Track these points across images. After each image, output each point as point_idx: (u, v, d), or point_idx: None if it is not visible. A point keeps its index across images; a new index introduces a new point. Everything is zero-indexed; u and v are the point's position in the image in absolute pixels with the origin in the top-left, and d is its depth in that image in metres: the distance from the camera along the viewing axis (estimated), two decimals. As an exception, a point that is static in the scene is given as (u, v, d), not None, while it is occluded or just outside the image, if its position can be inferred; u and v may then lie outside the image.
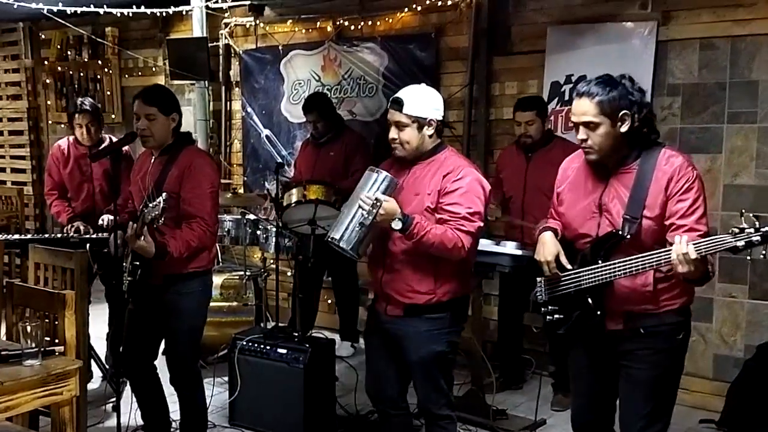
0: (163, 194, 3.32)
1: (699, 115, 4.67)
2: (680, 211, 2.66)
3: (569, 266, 2.85)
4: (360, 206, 3.12)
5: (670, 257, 2.56)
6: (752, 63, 4.48)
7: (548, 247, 2.91)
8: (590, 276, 2.78)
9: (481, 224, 3.20)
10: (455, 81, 5.65)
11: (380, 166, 3.41)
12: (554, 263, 2.87)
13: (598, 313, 2.79)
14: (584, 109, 2.74)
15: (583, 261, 2.83)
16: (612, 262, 2.73)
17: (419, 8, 5.67)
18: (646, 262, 2.64)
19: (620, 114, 2.71)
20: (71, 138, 5.01)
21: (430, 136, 3.23)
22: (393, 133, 3.23)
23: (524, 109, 4.67)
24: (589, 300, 2.79)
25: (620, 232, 2.73)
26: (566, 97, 5.08)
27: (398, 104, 3.19)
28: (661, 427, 2.87)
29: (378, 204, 3.07)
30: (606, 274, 2.73)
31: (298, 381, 4.13)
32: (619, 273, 2.70)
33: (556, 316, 2.92)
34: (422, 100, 3.22)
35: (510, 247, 4.08)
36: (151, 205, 3.32)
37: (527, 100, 4.75)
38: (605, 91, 2.70)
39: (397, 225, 3.08)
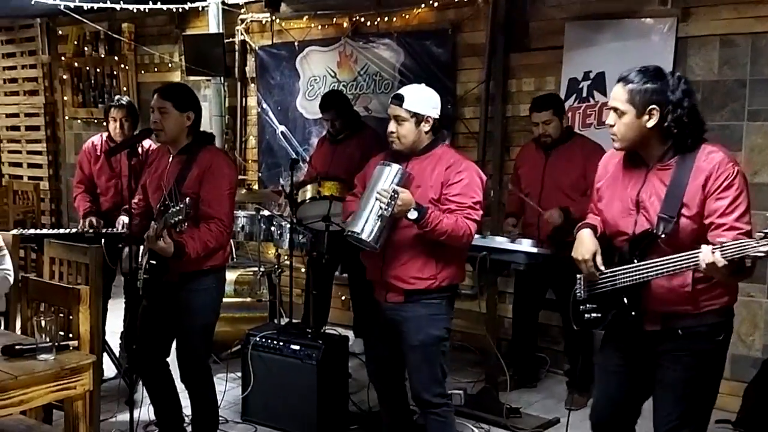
0: (187, 199, 3.32)
1: (718, 112, 4.60)
2: (719, 210, 2.56)
3: (602, 267, 2.76)
4: (378, 199, 3.22)
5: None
6: (773, 60, 4.42)
7: (586, 246, 2.81)
8: (626, 275, 2.70)
9: (482, 212, 3.39)
10: (472, 77, 5.62)
11: (376, 158, 3.55)
12: (592, 262, 2.78)
13: (633, 313, 2.71)
14: (616, 93, 2.70)
15: (621, 259, 2.75)
16: (647, 261, 2.64)
17: (436, 4, 5.64)
18: (683, 262, 2.54)
19: (648, 108, 2.62)
20: (104, 135, 5.17)
21: (426, 133, 3.39)
22: (392, 127, 3.39)
23: (539, 109, 4.60)
24: (624, 300, 2.71)
25: (655, 231, 2.64)
26: (584, 94, 5.04)
27: (399, 99, 3.37)
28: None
29: (396, 196, 3.17)
30: (641, 273, 2.65)
31: (311, 377, 4.12)
32: (653, 273, 2.61)
33: (594, 314, 2.84)
34: (421, 98, 3.40)
35: (525, 245, 4.05)
36: (174, 209, 3.31)
37: (542, 100, 4.65)
38: (641, 82, 2.63)
39: (413, 215, 3.20)
